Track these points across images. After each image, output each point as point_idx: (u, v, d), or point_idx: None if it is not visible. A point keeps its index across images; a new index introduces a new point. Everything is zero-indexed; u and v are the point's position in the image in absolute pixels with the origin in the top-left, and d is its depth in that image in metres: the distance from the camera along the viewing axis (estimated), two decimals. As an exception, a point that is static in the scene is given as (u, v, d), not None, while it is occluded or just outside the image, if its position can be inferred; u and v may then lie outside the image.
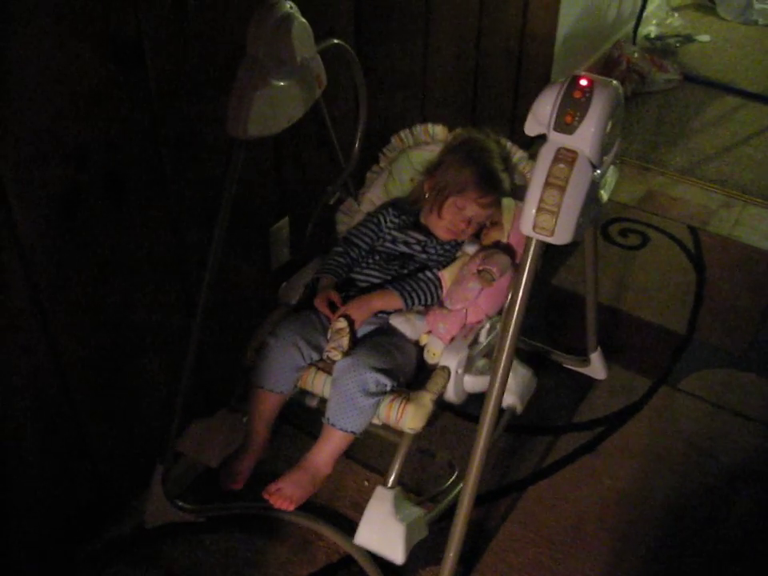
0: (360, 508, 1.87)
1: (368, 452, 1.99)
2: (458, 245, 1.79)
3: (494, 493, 1.95)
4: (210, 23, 1.55)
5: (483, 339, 1.70)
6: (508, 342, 1.44)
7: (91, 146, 1.40)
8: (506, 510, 1.92)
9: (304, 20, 1.46)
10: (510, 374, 1.84)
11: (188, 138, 1.60)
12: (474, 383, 1.67)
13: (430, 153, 1.86)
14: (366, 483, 1.95)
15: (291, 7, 1.45)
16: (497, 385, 1.46)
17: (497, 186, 1.75)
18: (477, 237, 1.80)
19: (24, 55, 1.24)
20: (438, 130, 1.86)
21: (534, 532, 1.87)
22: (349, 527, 1.83)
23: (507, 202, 1.74)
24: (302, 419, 2.01)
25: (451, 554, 1.58)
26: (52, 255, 1.41)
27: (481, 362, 1.70)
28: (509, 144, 1.83)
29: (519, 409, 1.96)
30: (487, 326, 1.70)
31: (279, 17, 1.42)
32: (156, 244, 1.62)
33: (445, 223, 1.77)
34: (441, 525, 1.72)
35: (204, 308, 1.62)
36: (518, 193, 1.78)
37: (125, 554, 1.79)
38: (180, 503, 1.80)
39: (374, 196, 1.92)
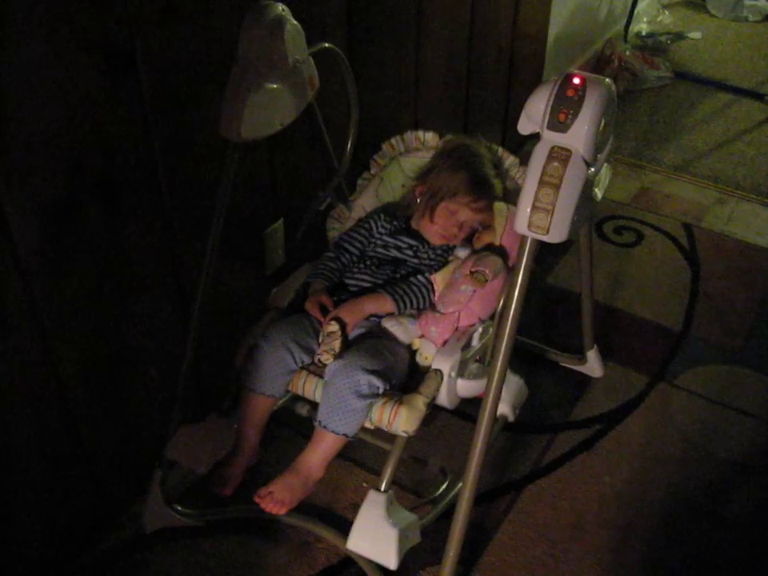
0: (358, 509, 1.88)
1: (366, 453, 1.99)
2: (449, 249, 1.79)
3: (493, 492, 1.95)
4: (202, 27, 1.55)
5: (476, 343, 1.70)
6: (505, 341, 1.43)
7: (85, 154, 1.40)
8: (504, 509, 1.91)
9: (296, 22, 1.46)
10: None
11: (181, 143, 1.60)
12: (466, 387, 1.66)
13: (421, 159, 1.86)
14: (365, 485, 1.95)
15: (283, 9, 1.45)
16: (494, 382, 1.46)
17: (489, 190, 1.75)
18: (468, 241, 1.80)
19: (16, 64, 1.24)
20: (429, 137, 1.87)
21: (533, 531, 1.87)
22: (348, 529, 1.82)
23: (499, 206, 1.74)
24: (299, 422, 2.01)
25: (451, 554, 1.58)
26: (48, 263, 1.41)
27: (473, 366, 1.70)
28: (500, 150, 1.84)
29: (511, 417, 1.97)
30: (480, 329, 1.70)
31: (271, 19, 1.42)
32: (151, 249, 1.62)
33: (437, 228, 1.77)
34: (440, 525, 1.72)
35: (200, 313, 1.62)
36: (510, 197, 1.78)
37: (124, 560, 1.78)
38: (179, 507, 1.79)
39: (365, 202, 1.92)
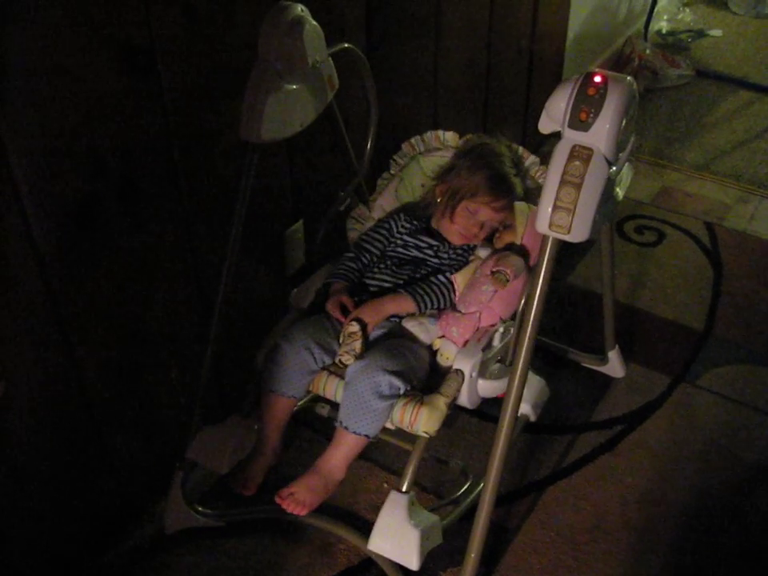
0: (379, 510, 1.88)
1: (387, 454, 1.99)
2: (470, 249, 1.78)
3: (514, 493, 1.94)
4: (221, 28, 1.55)
5: (497, 343, 1.68)
6: (526, 342, 1.43)
7: (106, 154, 1.41)
8: (526, 510, 1.91)
9: (315, 23, 1.46)
10: None
11: (201, 144, 1.61)
12: (487, 388, 1.65)
13: (441, 158, 1.86)
14: (386, 485, 1.95)
15: (302, 10, 1.45)
16: (516, 383, 1.46)
17: (509, 189, 1.74)
18: (489, 241, 1.79)
19: (38, 65, 1.24)
20: (449, 136, 1.86)
21: (554, 532, 1.86)
22: (368, 529, 1.82)
23: (520, 205, 1.73)
24: (321, 423, 2.01)
25: (472, 555, 1.58)
26: (69, 264, 1.41)
27: (494, 367, 1.69)
28: (520, 149, 1.82)
29: (532, 417, 1.95)
30: (500, 329, 1.68)
31: (290, 20, 1.43)
32: (171, 250, 1.63)
33: (457, 228, 1.76)
34: (461, 526, 1.71)
35: (220, 313, 1.63)
36: (531, 196, 1.77)
37: (144, 560, 1.79)
38: (200, 508, 1.80)
39: (385, 202, 1.91)
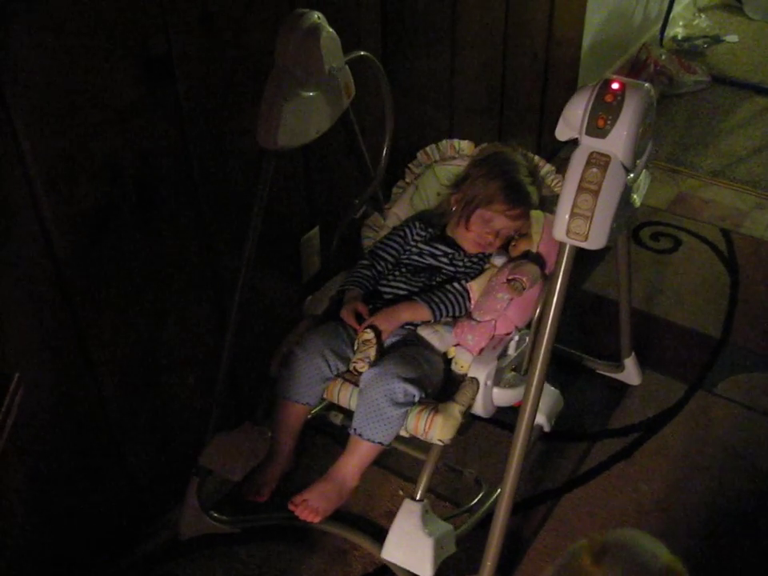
0: (394, 517, 1.87)
1: (402, 461, 1.98)
2: (485, 257, 1.78)
3: (530, 501, 1.93)
4: (238, 36, 1.56)
5: (512, 352, 1.68)
6: (543, 349, 1.42)
7: (123, 161, 1.41)
8: (541, 518, 1.90)
9: (332, 30, 1.47)
10: None
11: (218, 151, 1.61)
12: (502, 396, 1.65)
13: (456, 167, 1.85)
14: (401, 492, 1.94)
15: (319, 18, 1.45)
16: (533, 390, 1.46)
17: (525, 198, 1.74)
18: (505, 249, 1.79)
19: (55, 71, 1.25)
20: (465, 145, 1.86)
21: (570, 540, 1.85)
22: (383, 536, 1.82)
23: (536, 213, 1.72)
24: (334, 429, 2.01)
25: (488, 563, 1.58)
26: (86, 269, 1.42)
27: (509, 375, 1.68)
28: (536, 158, 1.82)
29: (546, 427, 1.95)
30: (516, 338, 1.68)
31: (307, 27, 1.43)
32: (188, 256, 1.63)
33: (472, 236, 1.76)
34: (477, 534, 1.71)
35: (236, 320, 1.63)
36: (546, 204, 1.77)
37: (159, 567, 1.79)
38: (215, 514, 1.80)
39: (400, 211, 1.91)
